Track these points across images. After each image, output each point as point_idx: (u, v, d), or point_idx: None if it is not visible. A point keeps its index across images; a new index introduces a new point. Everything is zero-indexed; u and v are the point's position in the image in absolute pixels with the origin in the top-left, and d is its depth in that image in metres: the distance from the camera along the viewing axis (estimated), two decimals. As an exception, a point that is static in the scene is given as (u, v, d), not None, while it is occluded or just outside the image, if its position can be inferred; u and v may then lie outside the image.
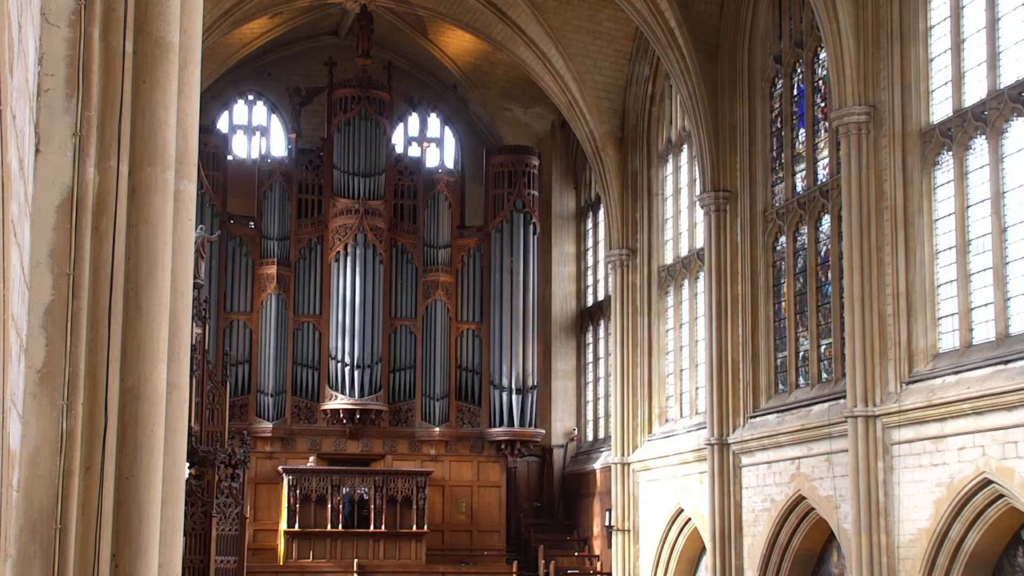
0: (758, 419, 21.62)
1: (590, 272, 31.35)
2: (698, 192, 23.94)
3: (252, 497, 25.60)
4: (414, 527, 26.97)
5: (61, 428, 4.51)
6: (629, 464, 26.06)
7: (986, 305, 16.60)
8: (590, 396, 30.78)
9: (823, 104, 20.92)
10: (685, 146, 25.85)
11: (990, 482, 15.69)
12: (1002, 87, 16.50)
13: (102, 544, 4.61)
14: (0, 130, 3.57)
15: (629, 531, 25.92)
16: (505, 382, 28.81)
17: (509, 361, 28.86)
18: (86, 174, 4.68)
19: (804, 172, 21.45)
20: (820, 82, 21.18)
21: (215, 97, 30.40)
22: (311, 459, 27.88)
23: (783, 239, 21.84)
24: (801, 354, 21.18)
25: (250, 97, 32.13)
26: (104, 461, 4.62)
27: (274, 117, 32.20)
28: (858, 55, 18.68)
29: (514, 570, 26.54)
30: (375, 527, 26.85)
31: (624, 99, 27.27)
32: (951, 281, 17.25)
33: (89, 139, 4.70)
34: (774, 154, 22.44)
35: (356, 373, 28.04)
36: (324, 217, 28.78)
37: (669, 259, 26.23)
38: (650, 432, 25.96)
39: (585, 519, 29.28)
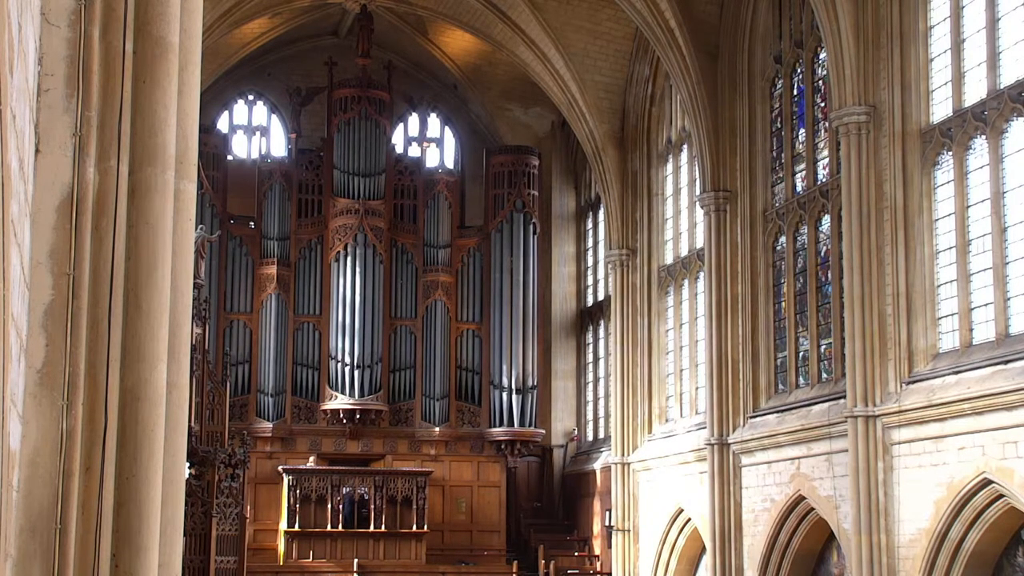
0: (758, 419, 21.62)
1: (590, 272, 31.34)
2: (698, 192, 23.94)
3: (252, 497, 25.59)
4: (414, 527, 26.97)
5: (61, 428, 4.50)
6: (629, 464, 26.06)
7: (986, 305, 16.59)
8: (590, 396, 30.76)
9: (823, 104, 20.91)
10: (685, 146, 25.84)
11: (990, 482, 15.68)
12: (1002, 87, 16.50)
13: (102, 544, 4.60)
14: (0, 130, 3.57)
15: (629, 531, 25.92)
16: (505, 382, 28.80)
17: (509, 361, 28.85)
18: (86, 174, 4.67)
19: (804, 172, 21.44)
20: (820, 82, 21.18)
21: (215, 97, 30.39)
22: (311, 459, 27.87)
23: (783, 239, 21.84)
24: (801, 354, 21.18)
25: (250, 97, 32.12)
26: (104, 461, 4.62)
27: (274, 117, 32.19)
28: (858, 55, 18.67)
29: (514, 570, 26.53)
30: (375, 527, 26.85)
31: (624, 99, 27.26)
32: (951, 281, 17.24)
33: (89, 139, 4.70)
34: (774, 154, 22.44)
35: (356, 373, 28.04)
36: (324, 217, 28.77)
37: (669, 259, 26.22)
38: (650, 432, 25.95)
39: (585, 519, 29.26)
